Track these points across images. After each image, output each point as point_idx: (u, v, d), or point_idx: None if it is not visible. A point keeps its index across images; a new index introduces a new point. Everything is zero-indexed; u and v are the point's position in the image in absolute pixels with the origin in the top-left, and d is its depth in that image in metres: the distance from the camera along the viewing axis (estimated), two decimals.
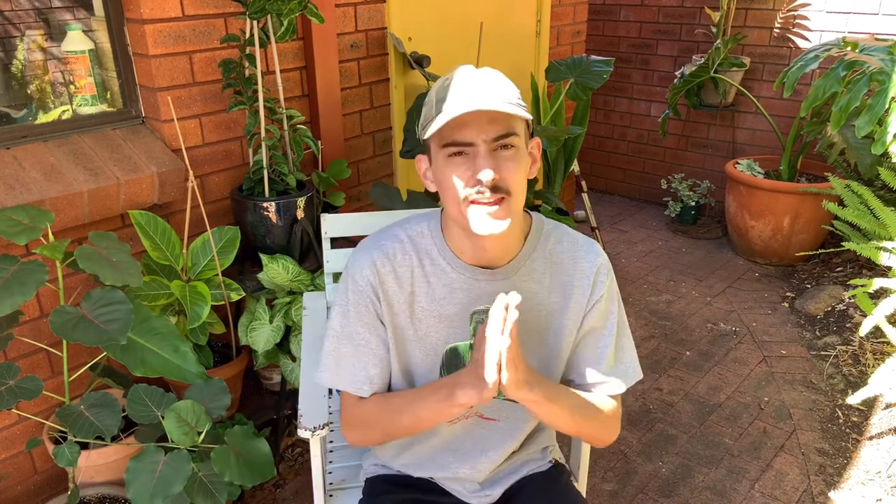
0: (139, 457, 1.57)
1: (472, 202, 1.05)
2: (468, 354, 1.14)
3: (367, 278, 1.17)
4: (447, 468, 1.29)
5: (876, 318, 2.35)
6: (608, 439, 1.24)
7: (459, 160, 1.06)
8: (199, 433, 1.65)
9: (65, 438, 1.65)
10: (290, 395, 2.32)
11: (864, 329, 2.37)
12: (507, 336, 0.97)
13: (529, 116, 1.06)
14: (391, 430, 1.22)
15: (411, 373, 1.23)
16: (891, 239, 2.76)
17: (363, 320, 1.19)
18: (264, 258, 2.10)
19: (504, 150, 1.05)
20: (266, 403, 2.45)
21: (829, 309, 3.10)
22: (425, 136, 1.07)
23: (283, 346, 2.21)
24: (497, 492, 1.31)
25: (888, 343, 2.73)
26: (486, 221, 1.05)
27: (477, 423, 1.26)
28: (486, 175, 1.03)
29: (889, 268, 2.80)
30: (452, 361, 1.18)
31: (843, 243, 2.91)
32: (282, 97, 2.22)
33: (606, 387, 1.22)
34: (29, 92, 2.00)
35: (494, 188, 1.04)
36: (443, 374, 1.20)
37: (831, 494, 2.13)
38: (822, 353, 2.85)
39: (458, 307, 1.18)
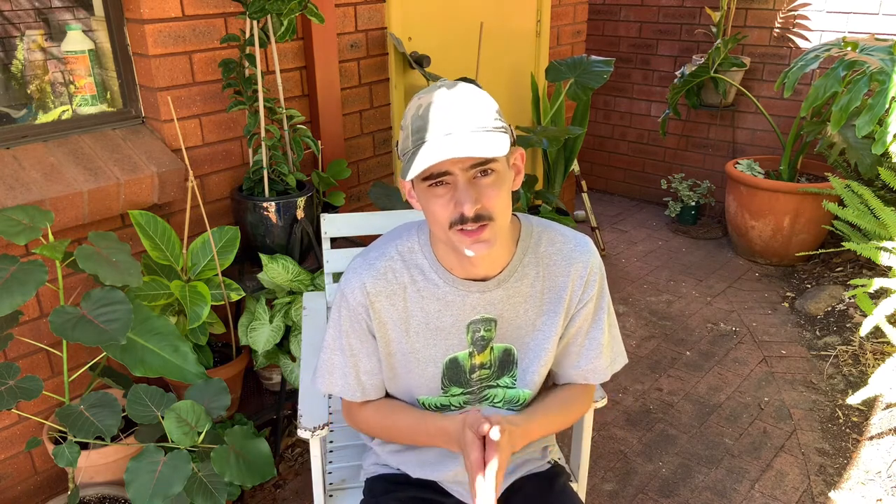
0: (139, 457, 1.57)
1: (458, 231, 1.06)
2: (468, 362, 1.20)
3: (358, 300, 1.19)
4: (449, 470, 1.29)
5: (876, 318, 2.35)
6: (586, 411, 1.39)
7: (441, 190, 1.05)
8: (199, 433, 1.65)
9: (65, 438, 1.65)
10: (290, 395, 2.32)
11: (864, 329, 2.37)
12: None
13: (508, 144, 1.02)
14: (388, 439, 1.31)
15: (410, 383, 1.24)
16: (891, 239, 2.76)
17: (356, 334, 1.23)
18: (264, 258, 2.10)
19: (484, 176, 1.04)
20: (266, 403, 2.45)
21: (829, 309, 3.10)
22: (405, 177, 1.05)
23: (283, 346, 2.21)
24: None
25: (888, 343, 2.73)
26: (471, 247, 1.07)
27: None
28: (468, 209, 1.03)
29: (889, 268, 2.80)
30: (453, 371, 1.21)
31: (843, 243, 2.91)
32: (282, 97, 2.22)
33: (597, 376, 1.28)
34: (29, 92, 2.01)
35: (477, 217, 1.04)
36: (444, 384, 1.22)
37: (831, 494, 2.13)
38: (822, 353, 2.85)
39: (453, 319, 1.18)
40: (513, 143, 1.09)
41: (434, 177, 1.04)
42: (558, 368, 1.29)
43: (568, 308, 1.21)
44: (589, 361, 1.26)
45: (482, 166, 1.03)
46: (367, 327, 1.21)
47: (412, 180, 1.10)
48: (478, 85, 2.55)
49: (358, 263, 1.22)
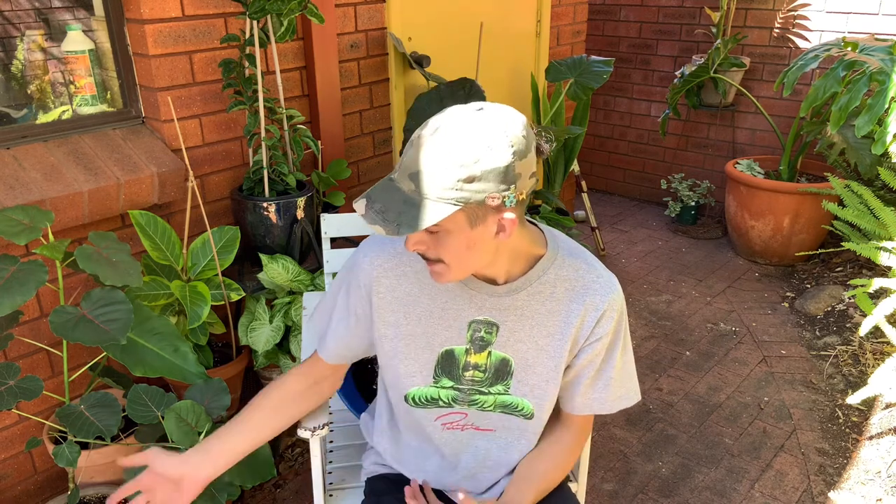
0: None
1: None
2: (462, 358, 1.20)
3: (365, 270, 1.20)
4: (448, 484, 1.30)
5: (876, 318, 2.35)
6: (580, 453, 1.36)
7: None
8: (200, 433, 1.65)
9: (65, 438, 1.65)
10: None
11: (864, 329, 2.37)
12: None
13: (439, 218, 0.97)
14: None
15: (402, 370, 1.23)
16: (891, 239, 2.76)
17: (347, 301, 1.24)
18: (264, 258, 2.10)
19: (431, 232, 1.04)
20: None
21: (829, 309, 3.10)
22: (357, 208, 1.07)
23: (283, 346, 2.21)
24: (495, 492, 1.32)
25: (888, 343, 2.73)
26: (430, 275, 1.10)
27: (473, 435, 1.27)
28: (409, 246, 1.06)
29: (889, 268, 2.80)
30: (447, 363, 1.21)
31: (842, 243, 2.91)
32: (282, 97, 2.22)
33: (602, 406, 1.26)
34: (29, 92, 2.01)
35: (425, 257, 1.06)
36: (437, 373, 1.22)
37: (831, 494, 2.13)
38: (822, 353, 2.85)
39: (458, 313, 1.18)
40: (506, 202, 1.00)
41: None
42: (563, 393, 1.27)
43: (576, 338, 1.18)
44: (595, 391, 1.24)
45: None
46: (365, 297, 1.21)
47: None
48: (480, 89, 2.55)
49: (378, 237, 1.23)
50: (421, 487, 1.32)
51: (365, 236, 1.30)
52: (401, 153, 2.54)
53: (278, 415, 1.27)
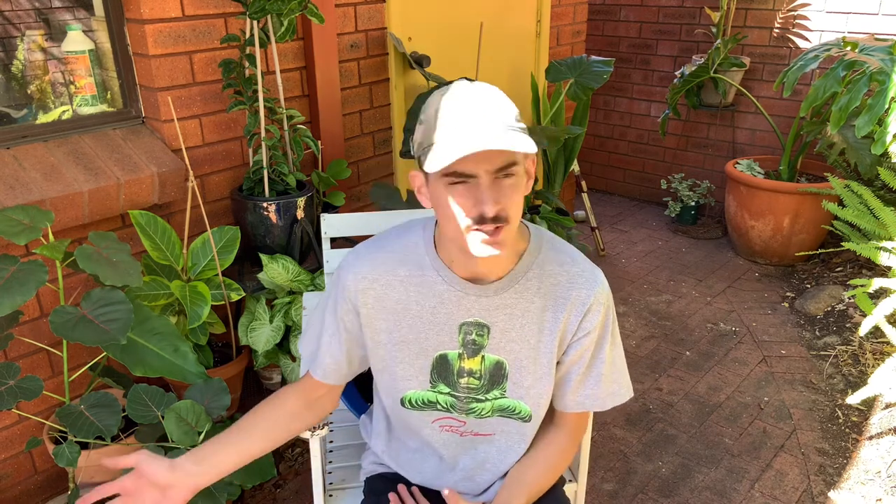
0: None
1: (474, 230, 1.04)
2: (456, 363, 1.20)
3: (349, 284, 1.20)
4: (445, 484, 1.30)
5: (876, 318, 2.35)
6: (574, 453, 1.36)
7: (461, 188, 1.03)
8: (199, 433, 1.65)
9: (65, 438, 1.66)
10: None
11: (864, 329, 2.37)
12: None
13: (530, 144, 0.99)
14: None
15: (398, 375, 1.23)
16: (890, 239, 2.76)
17: (336, 316, 1.23)
18: (264, 258, 2.10)
19: (506, 178, 1.03)
20: None
21: (829, 309, 3.10)
22: (427, 170, 1.03)
23: (283, 346, 2.21)
24: (490, 495, 1.32)
25: (888, 343, 2.73)
26: (484, 247, 1.05)
27: (472, 440, 1.27)
28: (490, 209, 1.01)
29: (889, 268, 2.81)
30: (442, 368, 1.21)
31: (842, 243, 2.91)
32: (282, 97, 2.22)
33: (594, 404, 1.25)
34: (29, 92, 2.01)
35: (495, 218, 1.03)
36: (433, 378, 1.21)
37: (831, 494, 2.13)
38: (822, 353, 2.85)
39: (448, 317, 1.18)
40: None
41: (458, 175, 1.02)
42: (555, 391, 1.26)
43: (563, 333, 1.18)
44: (586, 388, 1.23)
45: (506, 169, 1.02)
46: (352, 316, 1.21)
47: (426, 176, 1.08)
48: None
49: (360, 250, 1.23)
50: (411, 493, 1.32)
51: (366, 236, 1.29)
52: (401, 154, 2.56)
53: (276, 430, 1.26)
